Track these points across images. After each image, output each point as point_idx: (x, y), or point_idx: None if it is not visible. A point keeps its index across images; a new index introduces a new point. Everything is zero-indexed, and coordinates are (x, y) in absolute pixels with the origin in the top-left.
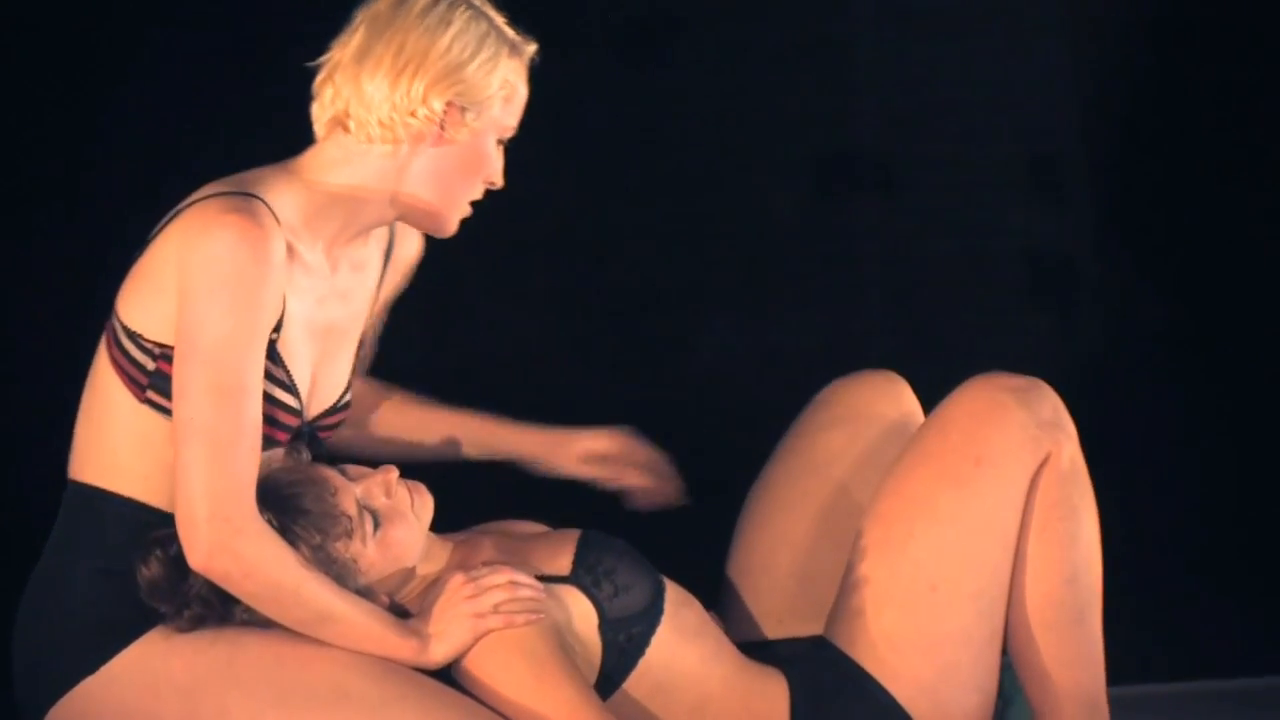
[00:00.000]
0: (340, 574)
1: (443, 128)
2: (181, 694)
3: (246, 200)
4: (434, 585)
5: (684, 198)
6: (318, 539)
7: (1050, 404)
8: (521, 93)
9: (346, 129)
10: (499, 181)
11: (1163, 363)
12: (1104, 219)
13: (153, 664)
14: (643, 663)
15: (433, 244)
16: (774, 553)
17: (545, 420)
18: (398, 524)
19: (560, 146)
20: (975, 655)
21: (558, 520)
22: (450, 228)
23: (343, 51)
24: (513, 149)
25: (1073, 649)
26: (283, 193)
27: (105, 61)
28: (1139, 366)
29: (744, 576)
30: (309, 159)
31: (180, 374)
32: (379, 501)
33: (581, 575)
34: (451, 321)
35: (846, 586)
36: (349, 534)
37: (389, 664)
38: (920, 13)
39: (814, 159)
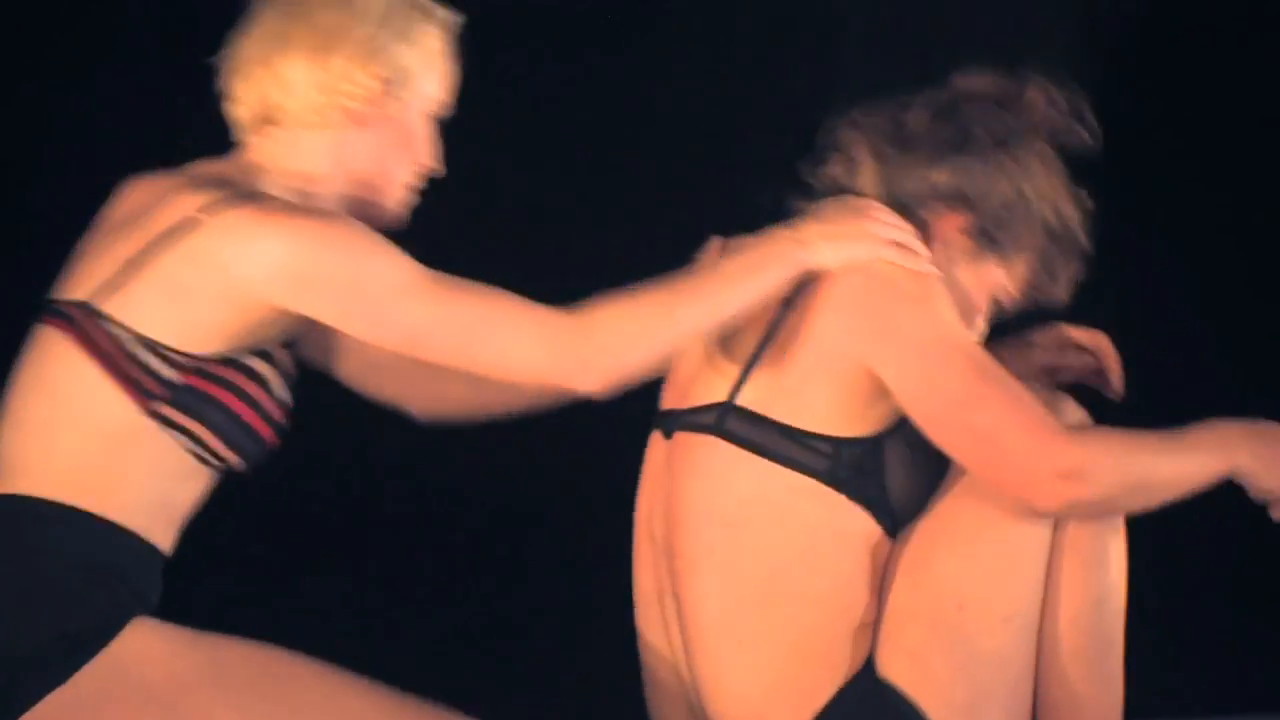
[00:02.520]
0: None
1: (373, 103)
2: (164, 707)
3: (271, 199)
4: None
5: (683, 188)
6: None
7: (1077, 416)
8: (446, 60)
9: (277, 122)
10: (431, 163)
11: (1197, 354)
12: (1124, 194)
13: (129, 672)
14: None
15: (430, 239)
16: None
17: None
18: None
19: (551, 135)
20: (1010, 679)
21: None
22: (391, 213)
23: (249, 42)
24: (521, 133)
25: (1099, 683)
26: (271, 189)
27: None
28: (1171, 361)
29: None
30: (254, 158)
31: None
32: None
33: None
34: None
35: (880, 605)
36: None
37: (378, 685)
38: None
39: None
